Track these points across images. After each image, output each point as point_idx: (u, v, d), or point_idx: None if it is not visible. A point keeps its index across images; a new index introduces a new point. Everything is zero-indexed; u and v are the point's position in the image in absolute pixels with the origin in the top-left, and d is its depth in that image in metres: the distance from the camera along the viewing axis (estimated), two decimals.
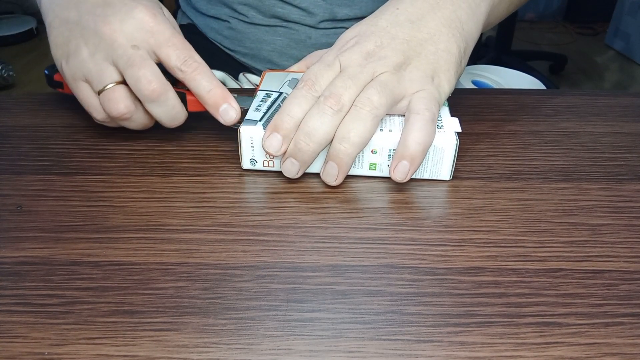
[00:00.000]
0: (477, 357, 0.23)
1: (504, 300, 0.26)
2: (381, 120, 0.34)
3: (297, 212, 0.32)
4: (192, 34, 0.69)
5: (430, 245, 0.30)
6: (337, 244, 0.30)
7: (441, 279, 0.27)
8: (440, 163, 0.34)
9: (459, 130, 0.34)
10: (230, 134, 0.41)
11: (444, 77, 0.35)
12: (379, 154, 0.34)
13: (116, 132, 0.41)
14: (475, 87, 0.53)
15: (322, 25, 0.60)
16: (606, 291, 0.27)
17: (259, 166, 0.36)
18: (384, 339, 0.24)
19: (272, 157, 0.35)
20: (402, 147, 0.32)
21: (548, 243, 0.30)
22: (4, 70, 1.98)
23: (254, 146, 0.35)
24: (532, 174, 0.36)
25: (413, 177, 0.35)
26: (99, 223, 0.31)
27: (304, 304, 0.26)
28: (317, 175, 0.36)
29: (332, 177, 0.33)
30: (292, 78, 0.40)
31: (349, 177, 0.35)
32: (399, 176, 0.33)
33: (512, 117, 0.43)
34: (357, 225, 0.31)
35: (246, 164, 0.36)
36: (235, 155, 0.38)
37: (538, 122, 0.42)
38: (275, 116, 0.33)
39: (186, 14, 0.73)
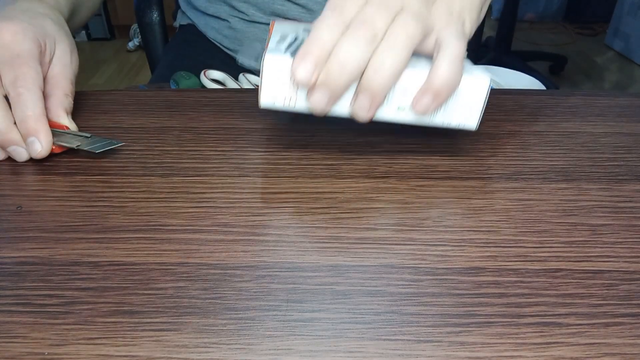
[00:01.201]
0: (477, 357, 0.23)
1: (504, 300, 0.26)
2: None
3: (297, 212, 0.32)
4: (192, 35, 0.69)
5: (430, 245, 0.30)
6: (337, 244, 0.30)
7: (441, 279, 0.27)
8: (469, 109, 0.32)
9: (489, 78, 0.32)
10: (231, 133, 0.41)
11: (468, 17, 0.34)
12: (409, 94, 0.32)
13: (115, 132, 0.41)
14: None
15: None
16: (606, 291, 0.27)
17: (278, 104, 0.33)
18: (384, 339, 0.24)
19: (300, 87, 0.32)
20: (429, 80, 0.31)
21: (548, 243, 0.30)
22: None
23: (278, 79, 0.32)
24: (532, 174, 0.36)
25: (440, 126, 0.34)
26: (98, 223, 0.31)
27: (304, 304, 0.26)
28: (317, 174, 0.36)
29: (364, 109, 0.32)
30: (306, 27, 0.36)
31: (349, 176, 0.35)
32: (420, 109, 0.32)
33: (512, 117, 0.43)
34: (357, 225, 0.31)
35: (265, 100, 0.33)
36: (235, 155, 0.38)
37: (538, 122, 0.42)
38: (305, 43, 0.30)
39: (186, 14, 0.73)
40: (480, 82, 0.32)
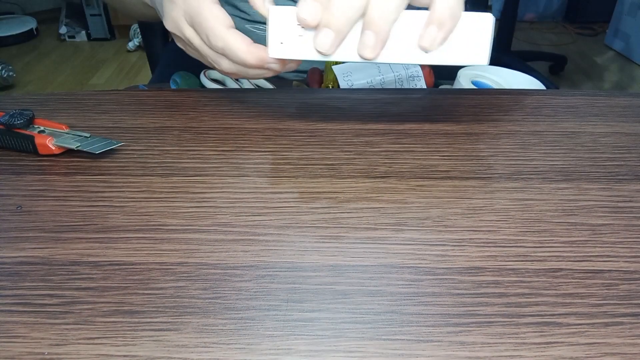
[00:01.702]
0: (477, 357, 0.23)
1: (504, 300, 0.26)
2: None
3: (297, 212, 0.32)
4: None
5: (430, 245, 0.30)
6: (337, 244, 0.30)
7: (441, 279, 0.27)
8: (477, 44, 0.33)
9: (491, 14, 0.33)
10: (231, 133, 0.41)
11: None
12: (414, 34, 0.33)
13: (115, 132, 0.41)
14: (475, 87, 0.53)
15: None
16: (606, 291, 0.27)
17: (288, 52, 0.34)
18: (384, 339, 0.24)
19: (306, 26, 0.33)
20: (431, 11, 0.32)
21: (548, 243, 0.30)
22: (4, 70, 1.98)
23: (284, 27, 0.33)
24: (532, 174, 0.36)
25: (450, 63, 0.34)
26: (98, 223, 0.31)
27: (304, 304, 0.26)
28: (317, 174, 0.36)
29: (370, 47, 0.32)
30: None
31: (349, 176, 0.35)
32: (426, 42, 0.32)
33: (512, 117, 0.43)
34: (357, 225, 0.31)
35: (274, 50, 0.34)
36: (235, 155, 0.38)
37: (538, 122, 0.42)
38: None
39: None
40: (483, 16, 0.33)
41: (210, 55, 0.39)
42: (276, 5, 0.35)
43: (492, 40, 0.33)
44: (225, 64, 0.38)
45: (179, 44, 0.42)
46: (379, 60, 0.34)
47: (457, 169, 0.36)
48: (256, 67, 0.37)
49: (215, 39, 0.37)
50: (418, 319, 0.25)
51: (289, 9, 0.33)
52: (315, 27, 0.33)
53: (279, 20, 0.33)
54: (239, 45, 0.36)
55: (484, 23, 0.33)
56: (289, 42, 0.34)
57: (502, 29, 2.02)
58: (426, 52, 0.33)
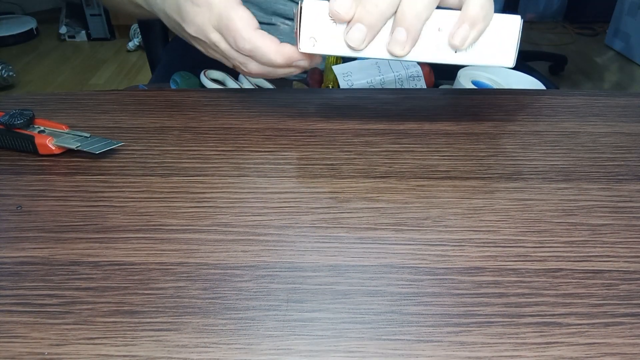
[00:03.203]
0: (477, 357, 0.23)
1: (504, 300, 0.26)
2: None
3: (297, 212, 0.32)
4: None
5: (430, 245, 0.30)
6: (337, 244, 0.30)
7: (441, 279, 0.27)
8: (504, 46, 0.33)
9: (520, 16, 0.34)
10: (231, 133, 0.41)
11: None
12: (444, 32, 0.33)
13: (115, 132, 0.41)
14: (475, 87, 0.53)
15: None
16: (606, 291, 0.27)
17: (318, 47, 0.34)
18: (384, 339, 0.24)
19: (339, 21, 0.33)
20: (464, 10, 0.32)
21: (548, 243, 0.30)
22: (4, 70, 1.98)
23: (316, 22, 0.33)
24: (532, 174, 0.36)
25: (477, 64, 0.34)
26: (98, 223, 0.31)
27: (304, 304, 0.26)
28: (317, 174, 0.36)
29: (401, 44, 0.33)
30: None
31: (349, 176, 0.35)
32: (458, 41, 0.33)
33: (512, 117, 0.43)
34: (357, 225, 0.31)
35: (304, 44, 0.34)
36: (235, 155, 0.38)
37: (538, 122, 0.42)
38: None
39: None
40: (512, 19, 0.33)
41: (237, 58, 0.39)
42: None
43: (519, 42, 0.34)
44: (253, 66, 0.39)
45: (198, 46, 0.42)
46: (408, 58, 0.34)
47: (457, 169, 0.36)
48: (285, 67, 0.38)
49: (243, 42, 0.37)
50: (418, 319, 0.25)
51: (321, 3, 0.33)
52: (348, 22, 0.33)
53: (311, 14, 0.33)
54: (269, 46, 0.36)
55: (512, 25, 0.33)
56: (320, 37, 0.34)
57: None
58: (456, 51, 0.34)
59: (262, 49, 0.36)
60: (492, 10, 0.33)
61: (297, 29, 0.34)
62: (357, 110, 0.44)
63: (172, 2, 0.41)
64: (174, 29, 0.43)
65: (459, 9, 0.34)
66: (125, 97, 0.47)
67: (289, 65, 0.37)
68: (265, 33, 0.37)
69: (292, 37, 0.61)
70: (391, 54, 0.34)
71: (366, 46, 0.33)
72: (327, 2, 0.33)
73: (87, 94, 0.47)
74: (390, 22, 0.33)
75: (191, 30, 0.40)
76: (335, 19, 0.33)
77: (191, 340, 0.24)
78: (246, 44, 0.37)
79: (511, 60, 0.34)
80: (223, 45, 0.39)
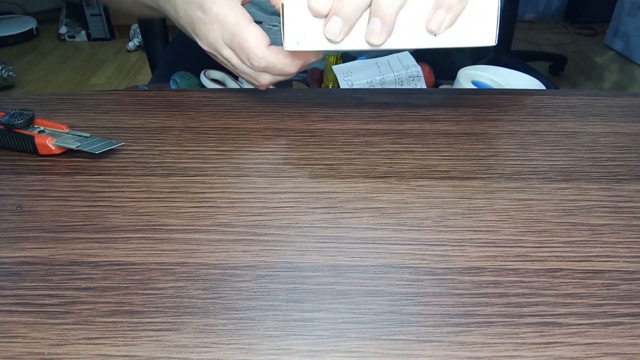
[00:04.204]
0: (477, 357, 0.23)
1: (504, 300, 0.26)
2: None
3: (297, 212, 0.32)
4: None
5: (430, 245, 0.30)
6: (337, 244, 0.30)
7: (441, 279, 0.27)
8: (484, 25, 0.34)
9: None
10: (231, 133, 0.41)
11: None
12: (421, 18, 0.34)
13: (115, 132, 0.41)
14: (475, 87, 0.53)
15: None
16: (606, 291, 0.27)
17: (302, 44, 0.35)
18: (384, 339, 0.24)
19: (318, 15, 0.34)
20: None
21: (548, 243, 0.30)
22: (4, 70, 1.98)
23: (299, 21, 0.34)
24: (532, 174, 0.36)
25: (458, 45, 0.35)
26: (98, 223, 0.31)
27: (304, 304, 0.26)
28: (317, 174, 0.36)
29: (377, 34, 0.34)
30: None
31: (349, 176, 0.35)
32: (434, 25, 0.33)
33: (512, 117, 0.43)
34: (357, 225, 0.31)
35: (289, 43, 0.35)
36: (235, 155, 0.38)
37: (538, 122, 0.42)
38: None
39: None
40: None
41: (249, 74, 0.40)
42: None
43: (499, 20, 0.34)
44: (266, 79, 0.40)
45: (211, 56, 0.43)
46: (387, 46, 0.35)
47: (457, 169, 0.36)
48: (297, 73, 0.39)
49: (258, 61, 0.38)
50: (418, 319, 0.25)
51: (301, 2, 0.34)
52: (326, 17, 0.34)
53: (293, 13, 0.34)
54: (283, 61, 0.38)
55: (490, 3, 0.33)
56: (302, 34, 0.35)
57: (501, 29, 2.02)
58: (434, 35, 0.34)
59: (277, 65, 0.38)
60: None
61: (281, 28, 0.35)
62: (357, 110, 0.44)
63: (186, 17, 0.41)
64: (190, 37, 0.44)
65: None
66: (125, 97, 0.47)
67: (300, 70, 0.39)
68: (277, 48, 0.38)
69: None
70: (369, 44, 0.34)
71: (343, 38, 0.34)
72: (305, 0, 0.34)
73: (87, 94, 0.47)
74: (367, 14, 0.34)
75: (204, 45, 0.41)
76: (314, 13, 0.34)
77: (191, 340, 0.24)
78: (261, 62, 0.38)
79: (492, 39, 0.34)
80: (235, 60, 0.40)
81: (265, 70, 0.39)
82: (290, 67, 0.38)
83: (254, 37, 0.37)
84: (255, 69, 0.39)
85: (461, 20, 0.34)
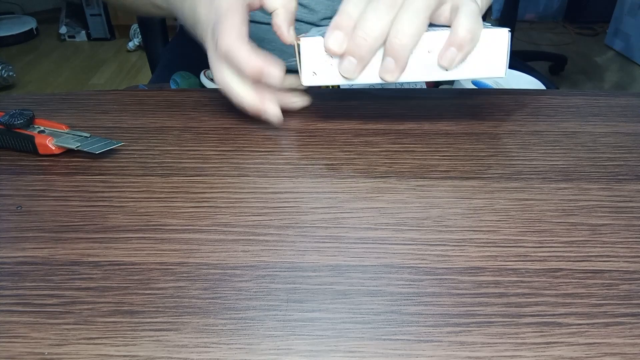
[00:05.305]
0: (477, 357, 0.23)
1: (504, 300, 0.26)
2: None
3: (297, 212, 0.32)
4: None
5: (430, 245, 0.30)
6: (337, 244, 0.30)
7: (441, 279, 0.27)
8: (494, 58, 0.35)
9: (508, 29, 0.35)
10: (231, 133, 0.41)
11: None
12: (434, 53, 0.35)
13: (115, 132, 0.41)
14: (475, 87, 0.53)
15: (324, 22, 0.60)
16: (606, 291, 0.27)
17: (318, 80, 0.37)
18: (384, 339, 0.24)
19: (334, 55, 0.36)
20: (452, 34, 0.34)
21: (548, 243, 0.30)
22: (4, 70, 1.98)
23: (315, 57, 0.36)
24: (532, 174, 0.36)
25: (469, 77, 0.37)
26: (98, 223, 0.31)
27: (304, 304, 0.26)
28: (317, 174, 0.36)
29: (390, 72, 0.35)
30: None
31: (349, 176, 0.35)
32: (446, 62, 0.35)
33: (512, 117, 0.43)
34: (357, 225, 0.31)
35: (306, 79, 0.37)
36: (235, 155, 0.38)
37: (538, 122, 0.42)
38: (335, 17, 0.35)
39: None
40: (500, 32, 0.35)
41: (211, 58, 0.40)
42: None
43: (509, 53, 0.35)
44: (221, 72, 0.39)
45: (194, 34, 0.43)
46: (401, 80, 0.36)
47: (457, 169, 0.36)
48: (254, 79, 0.38)
49: (222, 42, 0.37)
50: (418, 319, 0.25)
51: (317, 40, 0.36)
52: (341, 56, 0.36)
53: (309, 51, 0.36)
54: (242, 55, 0.37)
55: (501, 38, 0.35)
56: (318, 70, 0.37)
57: None
58: (446, 70, 0.36)
59: (235, 52, 0.37)
60: (480, 31, 0.35)
61: (297, 64, 0.37)
62: (357, 110, 0.44)
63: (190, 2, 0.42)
64: (190, 26, 0.44)
65: (449, 25, 0.35)
66: (125, 97, 0.47)
67: (257, 79, 0.38)
68: (246, 43, 0.37)
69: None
70: (382, 80, 0.36)
71: (358, 75, 0.36)
72: (320, 38, 0.36)
73: (87, 94, 0.47)
74: (381, 50, 0.35)
75: (199, 30, 0.41)
76: (329, 53, 0.36)
77: (191, 340, 0.24)
78: (223, 46, 0.37)
79: (502, 71, 0.36)
80: (210, 44, 0.40)
81: (225, 57, 0.38)
82: (246, 64, 0.37)
83: (231, 23, 0.37)
84: (217, 51, 0.38)
85: (473, 54, 0.36)
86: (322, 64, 0.36)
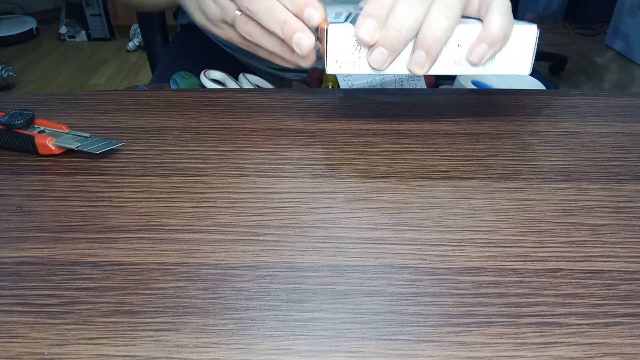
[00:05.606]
0: (477, 357, 0.23)
1: (504, 300, 0.26)
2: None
3: (297, 212, 0.32)
4: (193, 34, 0.69)
5: (430, 245, 0.30)
6: (337, 244, 0.30)
7: (441, 279, 0.27)
8: (521, 55, 0.35)
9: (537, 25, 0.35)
10: (231, 133, 0.41)
11: None
12: (464, 47, 0.35)
13: (115, 132, 0.41)
14: (475, 87, 0.53)
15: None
16: (606, 291, 0.27)
17: (344, 68, 0.36)
18: (384, 339, 0.24)
19: (364, 44, 0.34)
20: (484, 31, 0.34)
21: (548, 243, 0.30)
22: (4, 70, 1.98)
23: (341, 45, 0.35)
24: (532, 174, 0.36)
25: (494, 73, 0.36)
26: (98, 223, 0.31)
27: (304, 304, 0.26)
28: (317, 174, 0.36)
29: (420, 65, 0.35)
30: (356, 5, 0.39)
31: (349, 176, 0.35)
32: (476, 58, 0.34)
33: (512, 117, 0.43)
34: (357, 225, 0.31)
35: (331, 66, 0.36)
36: (235, 155, 0.38)
37: (538, 122, 0.42)
38: (366, 6, 0.34)
39: (186, 13, 0.73)
40: (529, 29, 0.35)
41: (224, 19, 0.39)
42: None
43: (536, 50, 0.35)
44: (233, 31, 0.38)
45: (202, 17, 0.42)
46: (428, 72, 0.36)
47: (457, 169, 0.36)
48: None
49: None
50: (418, 319, 0.25)
51: (344, 27, 0.34)
52: (371, 45, 0.34)
53: (336, 38, 0.35)
54: (271, 6, 0.35)
55: (529, 34, 0.35)
56: (344, 58, 0.35)
57: None
58: (474, 66, 0.35)
59: (261, 5, 0.35)
60: (511, 28, 0.34)
61: (324, 51, 0.36)
62: (357, 110, 0.44)
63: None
64: (195, 14, 0.43)
65: (478, 18, 0.35)
66: (125, 97, 0.47)
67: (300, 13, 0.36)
68: None
69: None
70: (411, 72, 0.35)
71: (387, 67, 0.35)
72: (349, 25, 0.35)
73: (87, 94, 0.47)
74: (411, 42, 0.35)
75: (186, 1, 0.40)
76: (361, 42, 0.34)
77: (191, 340, 0.24)
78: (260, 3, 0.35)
79: (528, 69, 0.36)
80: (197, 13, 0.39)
81: (247, 9, 0.36)
82: (275, 16, 0.35)
83: None
84: (237, 2, 0.37)
85: (501, 50, 0.35)
86: (349, 53, 0.35)
